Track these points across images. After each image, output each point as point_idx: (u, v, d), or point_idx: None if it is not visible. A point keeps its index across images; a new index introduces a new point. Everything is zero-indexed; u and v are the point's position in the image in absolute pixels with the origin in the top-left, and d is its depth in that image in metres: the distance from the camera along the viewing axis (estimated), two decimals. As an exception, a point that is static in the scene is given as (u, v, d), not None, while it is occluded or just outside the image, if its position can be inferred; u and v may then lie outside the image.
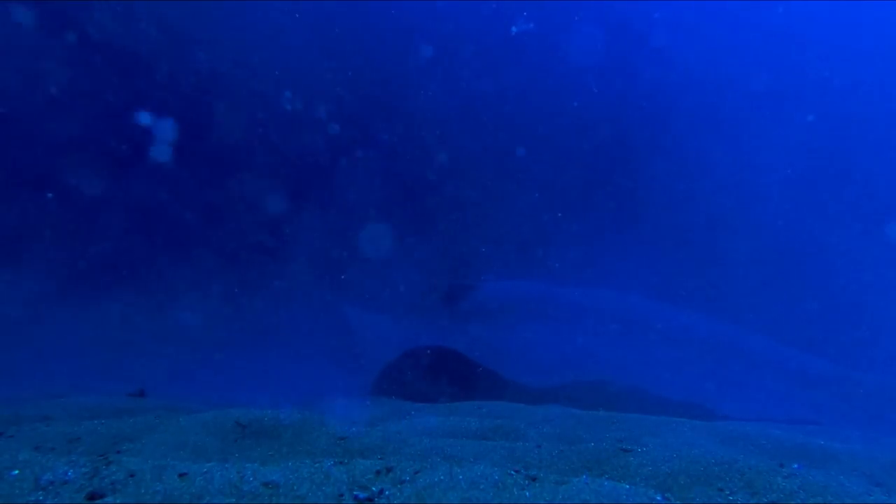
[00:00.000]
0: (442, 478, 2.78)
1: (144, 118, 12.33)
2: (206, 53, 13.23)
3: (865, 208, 16.60)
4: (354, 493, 2.61)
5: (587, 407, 5.70)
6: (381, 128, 15.33)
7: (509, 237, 15.73)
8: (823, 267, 15.93)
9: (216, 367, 10.78)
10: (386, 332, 9.79)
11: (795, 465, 3.51)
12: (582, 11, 16.40)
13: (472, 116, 15.93)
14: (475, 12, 16.05)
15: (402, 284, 12.88)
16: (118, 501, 2.41)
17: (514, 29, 15.06)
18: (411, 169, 15.50)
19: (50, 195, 12.41)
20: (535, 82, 16.61)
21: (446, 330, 9.95)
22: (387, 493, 2.63)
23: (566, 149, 16.62)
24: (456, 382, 7.99)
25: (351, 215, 14.91)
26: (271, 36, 13.99)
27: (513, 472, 2.92)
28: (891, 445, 5.12)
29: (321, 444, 3.61)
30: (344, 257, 14.23)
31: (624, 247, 15.16)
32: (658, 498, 2.75)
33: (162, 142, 12.37)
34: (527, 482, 2.79)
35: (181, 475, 2.68)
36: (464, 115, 15.80)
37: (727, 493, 3.03)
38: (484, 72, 16.16)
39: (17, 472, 2.62)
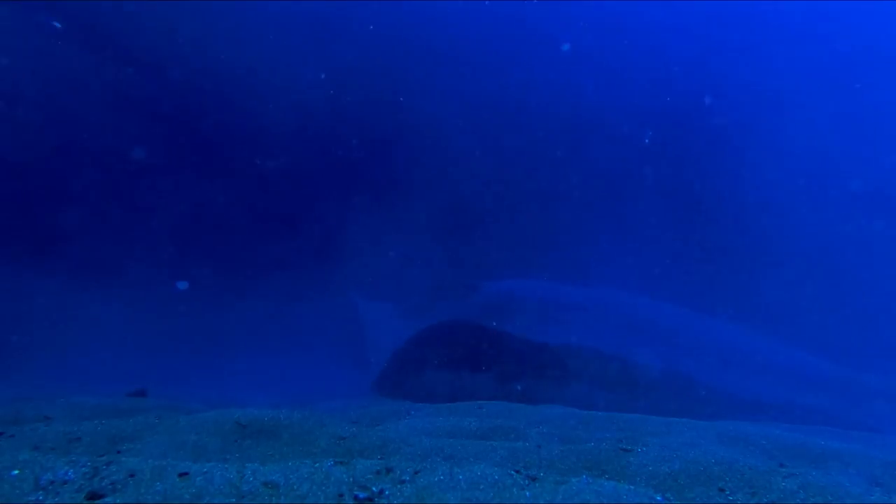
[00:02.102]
0: (442, 478, 2.78)
1: (146, 118, 12.33)
2: (211, 54, 13.23)
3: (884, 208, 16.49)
4: (354, 492, 2.61)
5: (613, 374, 5.66)
6: (386, 128, 15.33)
7: (524, 238, 15.73)
8: (842, 267, 15.87)
9: (216, 367, 10.78)
10: (396, 327, 9.74)
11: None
12: (566, 8, 16.32)
13: (476, 118, 15.92)
14: (484, 13, 16.03)
15: (407, 284, 12.88)
16: (118, 501, 2.41)
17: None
18: (416, 170, 15.50)
19: (52, 195, 12.41)
20: (540, 83, 16.59)
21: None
22: (387, 492, 2.63)
23: (577, 149, 16.59)
24: (476, 356, 7.76)
25: (355, 216, 14.92)
26: (279, 37, 13.98)
27: (513, 473, 2.92)
28: (891, 445, 5.12)
29: (321, 443, 3.61)
30: (347, 258, 14.24)
31: (636, 247, 15.13)
32: (658, 498, 2.75)
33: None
34: (527, 482, 2.79)
35: (181, 475, 2.68)
36: (468, 117, 15.79)
37: (727, 493, 3.03)
38: (486, 72, 16.14)
39: (17, 472, 2.62)
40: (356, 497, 2.57)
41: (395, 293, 12.14)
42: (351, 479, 2.74)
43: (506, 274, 12.99)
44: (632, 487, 2.83)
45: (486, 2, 15.86)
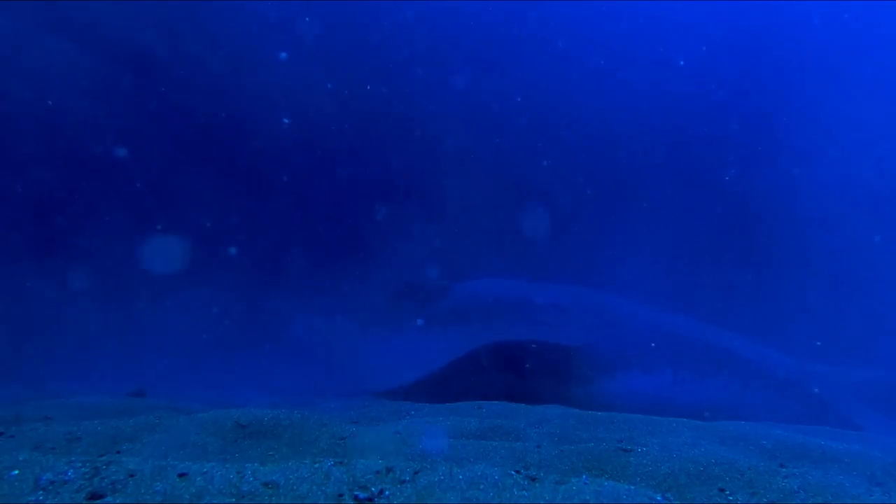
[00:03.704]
0: (442, 478, 2.78)
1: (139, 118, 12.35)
2: (202, 54, 13.24)
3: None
4: (354, 493, 2.61)
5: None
6: (372, 126, 15.31)
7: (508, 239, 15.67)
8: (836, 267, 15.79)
9: (216, 367, 10.78)
10: (360, 341, 9.35)
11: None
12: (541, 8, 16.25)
13: (458, 114, 15.88)
14: (470, 13, 16.02)
15: (368, 293, 12.78)
16: (118, 501, 2.41)
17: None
18: (397, 168, 15.48)
19: (53, 195, 12.41)
20: (532, 82, 16.57)
21: (422, 334, 9.50)
22: (387, 493, 2.63)
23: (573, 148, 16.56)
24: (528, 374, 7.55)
25: (346, 214, 14.91)
26: (267, 35, 13.99)
27: (513, 473, 2.92)
28: (891, 445, 5.12)
29: (321, 444, 3.61)
30: (334, 258, 14.21)
31: (627, 248, 15.07)
32: (658, 498, 2.75)
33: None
34: (527, 482, 2.79)
35: (181, 475, 2.68)
36: (449, 113, 15.74)
37: (727, 493, 3.03)
38: (475, 70, 16.09)
39: (17, 472, 2.62)
40: (356, 497, 2.57)
41: (355, 304, 11.90)
42: (351, 479, 2.74)
43: (475, 274, 12.75)
44: (632, 487, 2.83)
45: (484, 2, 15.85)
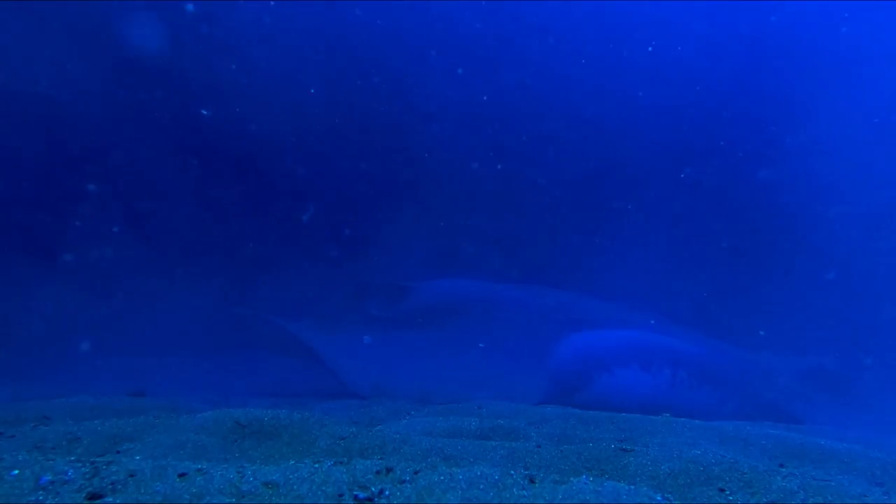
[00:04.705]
0: (442, 478, 2.78)
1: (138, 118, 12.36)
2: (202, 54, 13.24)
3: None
4: (354, 492, 2.61)
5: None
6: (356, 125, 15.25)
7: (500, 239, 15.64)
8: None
9: (215, 367, 10.77)
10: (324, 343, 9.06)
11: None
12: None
13: (447, 114, 15.82)
14: (469, 12, 15.98)
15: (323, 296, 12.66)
16: (118, 501, 2.41)
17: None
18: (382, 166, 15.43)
19: (53, 196, 12.42)
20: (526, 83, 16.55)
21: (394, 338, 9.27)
22: (387, 493, 2.63)
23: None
24: None
25: (343, 214, 14.89)
26: (265, 34, 13.97)
27: (512, 473, 2.92)
28: (891, 445, 5.13)
29: (321, 443, 3.61)
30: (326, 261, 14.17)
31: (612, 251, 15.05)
32: (658, 498, 2.75)
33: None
34: (526, 482, 2.80)
35: (181, 475, 2.68)
36: (436, 112, 15.68)
37: (727, 493, 3.03)
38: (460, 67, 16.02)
39: (17, 472, 2.62)
40: (356, 497, 2.58)
41: (312, 308, 11.70)
42: (351, 479, 2.74)
43: (428, 274, 12.58)
44: (632, 487, 2.83)
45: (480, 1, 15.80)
